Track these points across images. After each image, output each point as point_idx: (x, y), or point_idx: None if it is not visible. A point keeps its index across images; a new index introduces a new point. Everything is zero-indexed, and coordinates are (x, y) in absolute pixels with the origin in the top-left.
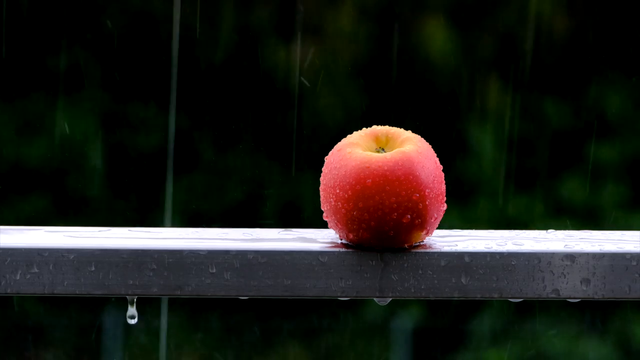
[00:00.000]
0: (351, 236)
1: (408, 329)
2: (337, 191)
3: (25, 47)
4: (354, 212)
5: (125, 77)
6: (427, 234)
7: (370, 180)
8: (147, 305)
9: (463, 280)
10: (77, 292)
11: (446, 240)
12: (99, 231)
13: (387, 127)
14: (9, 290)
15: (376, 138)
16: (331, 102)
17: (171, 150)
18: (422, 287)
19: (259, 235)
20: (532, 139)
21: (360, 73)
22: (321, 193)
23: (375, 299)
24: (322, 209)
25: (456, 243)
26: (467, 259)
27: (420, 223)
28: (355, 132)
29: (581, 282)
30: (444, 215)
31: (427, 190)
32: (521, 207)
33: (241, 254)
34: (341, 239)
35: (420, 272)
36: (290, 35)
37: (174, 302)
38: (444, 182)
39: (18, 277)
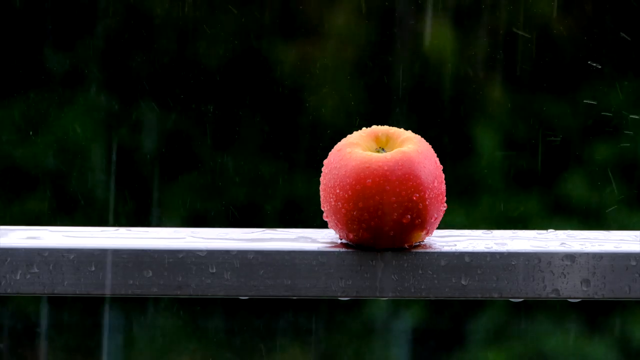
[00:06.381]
0: (351, 236)
1: (408, 329)
2: (337, 191)
3: (24, 44)
4: (354, 212)
5: (126, 77)
6: (427, 234)
7: (370, 180)
8: (147, 305)
9: (463, 280)
10: (77, 292)
11: (446, 240)
12: (99, 231)
13: (387, 127)
14: (9, 290)
15: (376, 138)
16: (331, 102)
17: (171, 150)
18: (422, 287)
19: (259, 235)
20: (532, 139)
21: (361, 73)
22: (321, 193)
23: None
24: (322, 209)
25: (456, 243)
26: (467, 259)
27: (420, 223)
28: (355, 132)
29: (581, 282)
30: (445, 215)
31: (427, 190)
32: (521, 207)
33: (241, 254)
34: (341, 239)
35: (420, 272)
36: (291, 34)
37: (174, 302)
38: (444, 182)
39: (18, 277)
